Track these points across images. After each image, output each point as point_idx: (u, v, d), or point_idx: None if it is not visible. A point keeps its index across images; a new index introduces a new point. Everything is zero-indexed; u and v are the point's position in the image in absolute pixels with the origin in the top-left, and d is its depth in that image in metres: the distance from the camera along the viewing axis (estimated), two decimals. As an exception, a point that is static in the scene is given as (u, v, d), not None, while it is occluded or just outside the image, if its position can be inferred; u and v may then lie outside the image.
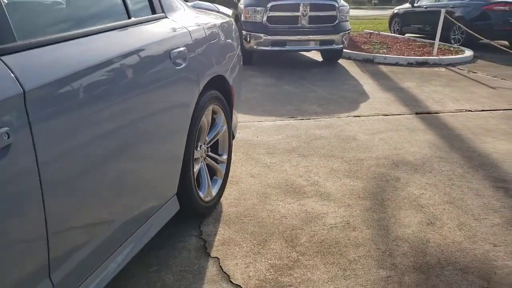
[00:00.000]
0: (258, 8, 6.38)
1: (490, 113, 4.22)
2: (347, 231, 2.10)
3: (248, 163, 2.94)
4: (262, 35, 6.31)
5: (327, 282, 1.72)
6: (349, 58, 7.50)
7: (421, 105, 4.52)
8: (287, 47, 6.49)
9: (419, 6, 10.22)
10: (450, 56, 7.35)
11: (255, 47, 6.37)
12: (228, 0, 7.87)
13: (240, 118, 3.55)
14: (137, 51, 1.46)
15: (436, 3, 9.70)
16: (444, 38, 8.45)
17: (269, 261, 1.86)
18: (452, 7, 8.82)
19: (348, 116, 4.08)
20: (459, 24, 8.23)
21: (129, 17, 1.59)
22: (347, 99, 4.75)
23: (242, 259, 1.87)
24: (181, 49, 1.74)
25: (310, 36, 6.40)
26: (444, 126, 3.79)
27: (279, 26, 6.39)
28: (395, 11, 11.34)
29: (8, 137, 0.93)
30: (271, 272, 1.79)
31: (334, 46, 6.57)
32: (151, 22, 1.73)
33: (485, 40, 7.74)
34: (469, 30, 7.83)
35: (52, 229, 1.08)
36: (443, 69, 6.64)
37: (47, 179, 1.04)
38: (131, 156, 1.44)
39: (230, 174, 2.60)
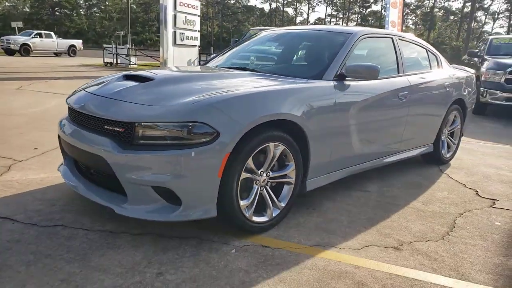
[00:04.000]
0: (498, 71, 8.18)
1: None
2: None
3: (469, 155, 5.09)
4: (498, 92, 8.07)
5: None
6: None
7: None
8: (520, 103, 8.02)
9: None
10: None
11: (489, 100, 8.17)
12: (472, 64, 9.82)
13: (466, 139, 5.69)
14: (432, 81, 4.04)
15: None
16: None
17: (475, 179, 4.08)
18: None
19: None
20: None
21: (431, 68, 4.21)
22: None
23: (460, 176, 4.14)
24: (448, 83, 4.24)
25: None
26: None
27: (515, 85, 8.02)
28: None
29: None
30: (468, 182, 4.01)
31: None
32: (436, 70, 4.30)
33: None
34: None
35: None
36: None
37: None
38: (423, 120, 3.97)
39: (455, 156, 4.85)
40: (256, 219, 2.60)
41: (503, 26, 59.86)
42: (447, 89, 4.23)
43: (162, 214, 2.32)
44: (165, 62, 13.81)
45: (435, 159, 4.48)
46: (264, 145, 2.51)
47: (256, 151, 2.47)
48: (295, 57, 3.67)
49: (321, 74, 3.04)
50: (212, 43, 53.34)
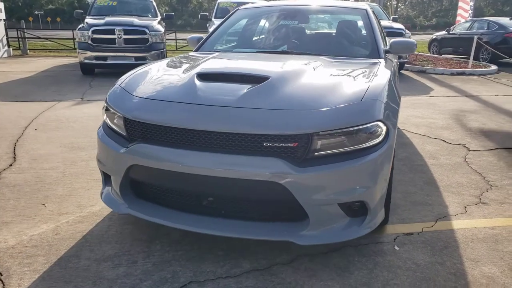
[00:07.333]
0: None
1: (507, 97, 7.13)
2: (450, 127, 5.02)
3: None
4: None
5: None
6: (406, 69, 10.52)
7: (467, 93, 7.45)
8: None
9: (454, 33, 13.30)
10: (481, 69, 10.30)
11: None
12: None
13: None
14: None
15: (468, 31, 12.74)
16: (474, 57, 11.40)
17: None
18: (480, 34, 11.83)
19: (426, 96, 7.04)
20: (487, 46, 11.25)
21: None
22: (421, 90, 7.73)
23: (415, 129, 4.81)
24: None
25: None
26: (482, 101, 6.71)
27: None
28: (433, 37, 14.45)
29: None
30: (428, 133, 4.74)
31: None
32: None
33: (506, 59, 10.72)
34: (494, 51, 10.87)
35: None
36: (476, 77, 9.58)
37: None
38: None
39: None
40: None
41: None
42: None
43: (352, 232, 2.02)
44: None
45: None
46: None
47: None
48: (328, 36, 3.47)
49: (376, 53, 3.02)
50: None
